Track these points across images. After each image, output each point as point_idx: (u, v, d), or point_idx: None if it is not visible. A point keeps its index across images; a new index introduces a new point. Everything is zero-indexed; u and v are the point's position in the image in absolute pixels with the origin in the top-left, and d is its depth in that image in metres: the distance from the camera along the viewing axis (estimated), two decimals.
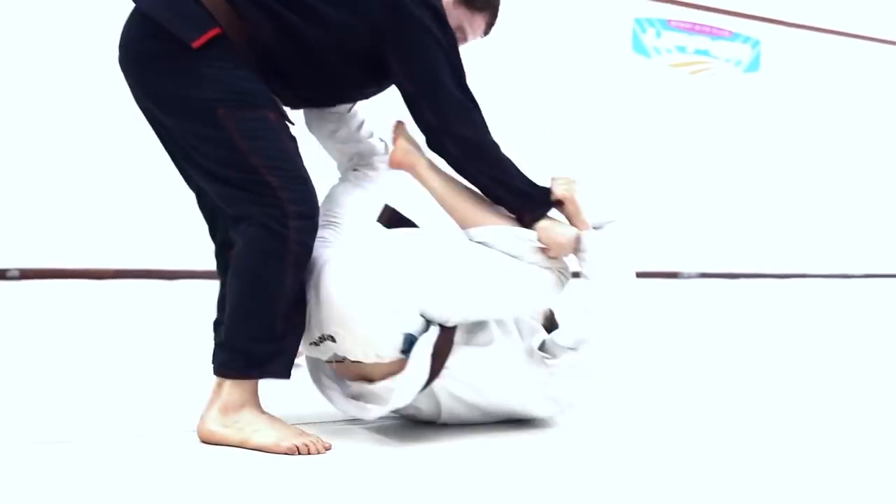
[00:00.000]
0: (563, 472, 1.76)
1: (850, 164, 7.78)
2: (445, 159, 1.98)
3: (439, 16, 1.94)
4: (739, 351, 3.47)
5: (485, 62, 5.61)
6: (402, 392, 1.83)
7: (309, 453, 1.75)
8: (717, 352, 3.43)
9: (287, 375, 1.84)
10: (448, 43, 1.93)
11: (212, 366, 1.84)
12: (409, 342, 1.83)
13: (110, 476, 1.58)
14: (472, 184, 2.00)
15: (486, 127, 1.97)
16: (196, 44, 1.75)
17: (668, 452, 1.89)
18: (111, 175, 4.85)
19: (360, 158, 2.18)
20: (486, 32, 2.15)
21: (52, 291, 4.25)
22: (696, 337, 3.87)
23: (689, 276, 6.91)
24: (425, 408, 1.97)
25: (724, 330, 4.16)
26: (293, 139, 1.87)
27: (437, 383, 1.87)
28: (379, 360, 1.84)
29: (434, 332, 1.85)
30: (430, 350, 1.82)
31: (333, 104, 2.13)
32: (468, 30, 2.10)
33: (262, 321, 1.79)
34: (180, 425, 1.90)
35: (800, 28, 7.48)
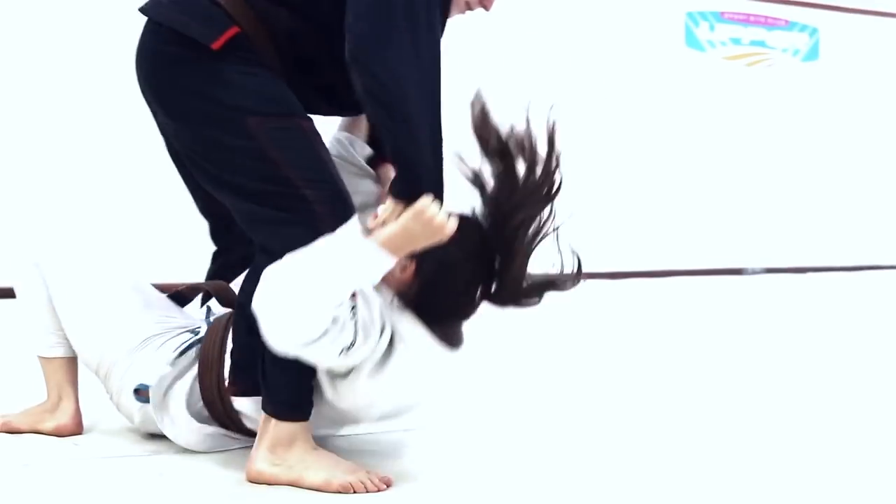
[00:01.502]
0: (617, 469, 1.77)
1: None
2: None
3: None
4: (805, 352, 3.43)
5: (538, 62, 5.69)
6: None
7: (366, 491, 1.66)
8: (781, 353, 3.38)
9: None
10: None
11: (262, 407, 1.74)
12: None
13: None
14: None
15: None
16: (215, 45, 1.62)
17: (705, 453, 1.92)
18: (122, 190, 4.82)
19: None
20: None
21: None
22: (760, 337, 3.80)
23: (754, 272, 6.85)
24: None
25: (791, 330, 4.09)
26: (327, 150, 1.74)
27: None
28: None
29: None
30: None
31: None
32: None
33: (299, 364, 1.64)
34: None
35: (858, 13, 7.33)
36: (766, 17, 6.98)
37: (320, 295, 1.53)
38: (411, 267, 1.67)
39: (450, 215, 1.58)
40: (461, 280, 1.67)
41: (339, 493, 1.64)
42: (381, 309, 1.64)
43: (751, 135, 6.89)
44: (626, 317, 4.44)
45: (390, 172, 1.83)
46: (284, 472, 1.70)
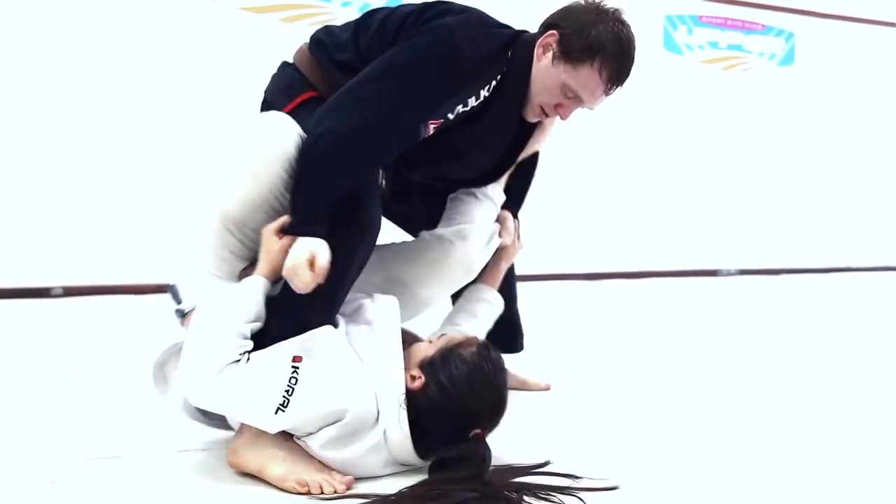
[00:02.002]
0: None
1: (892, 156, 7.64)
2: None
3: (436, 50, 1.83)
4: (780, 353, 3.42)
5: None
6: None
7: (321, 491, 1.64)
8: (756, 354, 3.38)
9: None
10: (416, 77, 1.80)
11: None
12: None
13: (159, 491, 1.59)
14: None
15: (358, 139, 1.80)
16: (285, 110, 1.90)
17: (688, 453, 1.92)
18: (151, 191, 4.86)
19: None
20: (610, 86, 1.95)
21: (94, 308, 4.24)
22: (734, 338, 3.82)
23: (729, 274, 6.85)
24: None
25: (765, 330, 4.09)
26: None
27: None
28: None
29: None
30: None
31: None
32: (576, 87, 1.94)
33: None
34: (217, 440, 1.92)
35: (834, 18, 7.37)
36: (744, 22, 7.00)
37: (212, 326, 1.69)
38: (420, 380, 1.73)
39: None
40: (459, 411, 1.69)
41: (295, 491, 1.64)
42: (383, 398, 1.71)
43: (727, 138, 6.90)
44: (602, 317, 4.45)
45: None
46: (252, 460, 1.71)
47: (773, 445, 2.00)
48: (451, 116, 1.89)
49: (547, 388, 2.49)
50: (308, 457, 1.70)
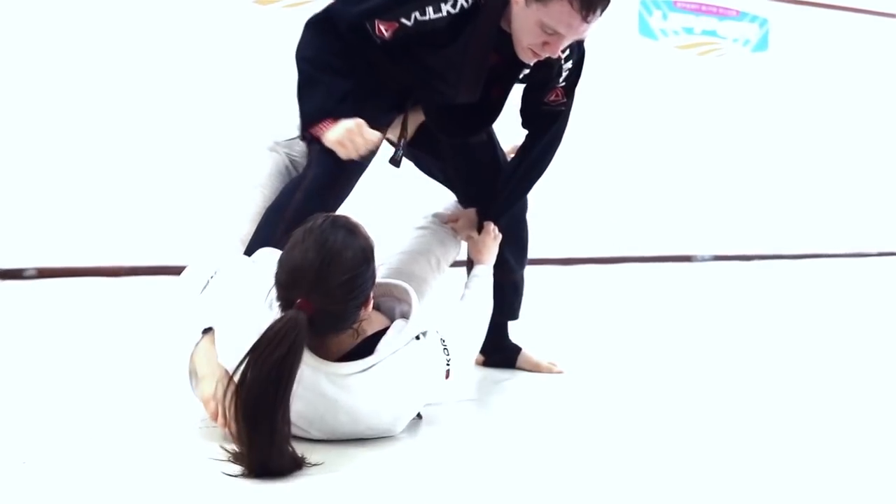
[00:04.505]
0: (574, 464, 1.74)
1: (862, 143, 7.66)
2: None
3: None
4: (753, 335, 3.43)
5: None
6: None
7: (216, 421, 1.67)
8: (731, 336, 3.40)
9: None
10: None
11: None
12: None
13: (132, 473, 1.55)
14: None
15: (311, 48, 2.10)
16: None
17: (667, 444, 1.88)
18: (125, 172, 4.80)
19: None
20: (587, 13, 1.96)
21: (68, 290, 4.19)
22: (709, 321, 3.84)
23: (703, 259, 6.85)
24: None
25: (738, 314, 4.09)
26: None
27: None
28: None
29: None
30: None
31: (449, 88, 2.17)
32: (552, 23, 1.96)
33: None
34: (191, 425, 1.86)
35: (808, 5, 7.38)
36: (718, 8, 6.99)
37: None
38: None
39: None
40: (280, 276, 1.71)
41: (208, 412, 1.68)
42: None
43: (701, 124, 6.89)
44: (576, 303, 4.43)
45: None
46: (200, 364, 1.76)
47: (751, 432, 1.99)
48: (407, 22, 2.01)
49: (560, 373, 2.53)
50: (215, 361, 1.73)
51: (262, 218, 2.02)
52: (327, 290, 1.56)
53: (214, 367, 1.70)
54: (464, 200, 2.52)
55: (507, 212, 2.43)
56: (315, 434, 1.68)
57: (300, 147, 2.18)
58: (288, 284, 1.58)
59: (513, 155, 2.45)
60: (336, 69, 2.07)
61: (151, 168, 4.75)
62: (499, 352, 2.55)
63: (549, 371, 2.54)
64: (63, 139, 4.70)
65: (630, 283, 5.35)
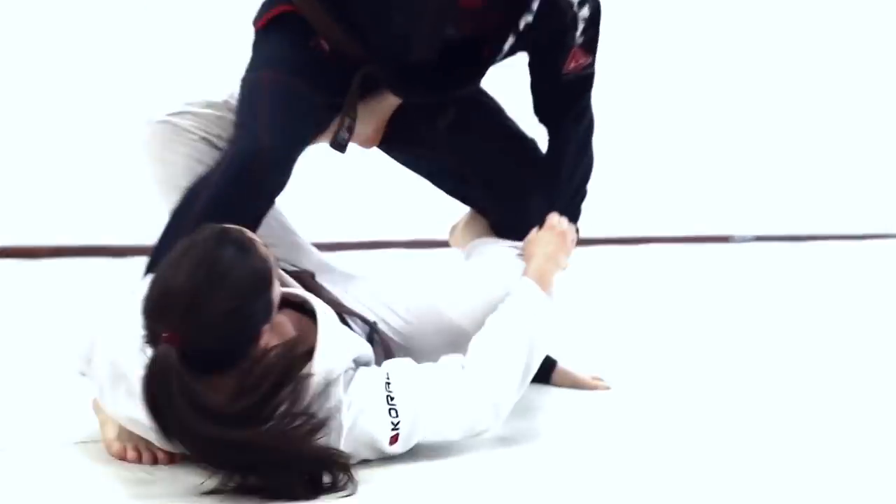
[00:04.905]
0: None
1: None
2: None
3: None
4: (798, 326, 3.27)
5: None
6: None
7: (137, 459, 1.54)
8: (772, 327, 3.23)
9: None
10: None
11: None
12: None
13: (46, 488, 1.42)
14: None
15: None
16: (258, 25, 1.94)
17: (695, 432, 1.79)
18: (46, 143, 4.63)
19: None
20: None
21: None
22: (750, 310, 3.65)
23: (743, 240, 6.73)
24: None
25: (782, 302, 3.93)
26: (278, 97, 1.83)
27: None
28: None
29: None
30: None
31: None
32: None
33: None
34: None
35: None
36: None
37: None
38: None
39: None
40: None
41: (113, 454, 1.56)
42: None
43: (740, 96, 6.78)
44: (609, 285, 4.38)
45: None
46: (103, 411, 1.63)
47: (783, 425, 1.86)
48: None
49: (607, 388, 2.24)
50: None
51: (165, 225, 1.81)
52: (203, 323, 1.39)
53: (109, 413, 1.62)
54: (488, 202, 2.13)
55: (575, 203, 2.10)
56: None
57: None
58: (154, 314, 1.40)
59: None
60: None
61: (79, 138, 4.62)
62: None
63: (594, 388, 2.24)
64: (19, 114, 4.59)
65: (658, 266, 5.35)
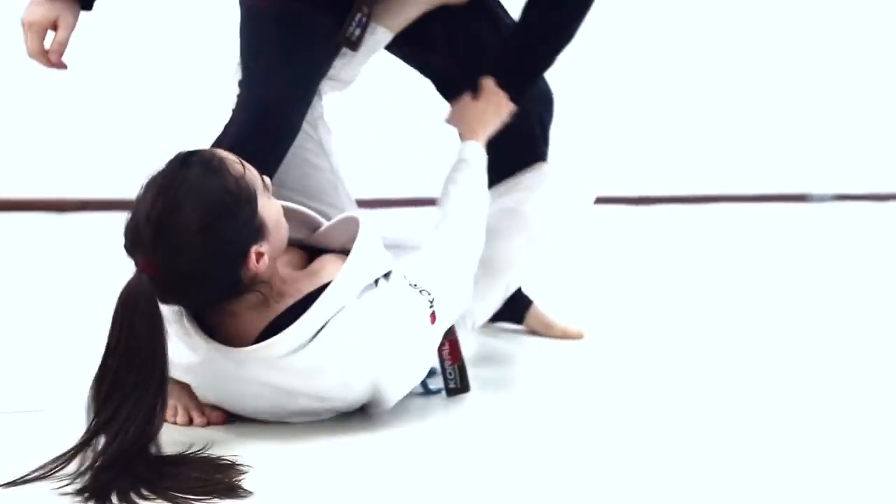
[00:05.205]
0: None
1: None
2: None
3: None
4: (877, 287, 3.22)
5: None
6: None
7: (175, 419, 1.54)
8: (851, 288, 3.19)
9: None
10: None
11: None
12: None
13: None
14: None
15: None
16: None
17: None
18: (72, 96, 4.57)
19: None
20: None
21: (5, 226, 4.15)
22: (826, 271, 3.62)
23: (822, 199, 6.59)
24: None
25: (862, 265, 3.84)
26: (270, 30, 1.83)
27: None
28: None
29: None
30: None
31: None
32: None
33: None
34: None
35: None
36: None
37: None
38: None
39: None
40: None
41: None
42: None
43: (823, 45, 6.55)
44: (677, 246, 4.40)
45: None
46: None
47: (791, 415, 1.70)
48: None
49: (579, 336, 2.29)
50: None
51: None
52: (174, 245, 1.38)
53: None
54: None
55: (530, 83, 2.05)
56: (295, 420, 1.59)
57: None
58: (128, 247, 1.41)
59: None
60: None
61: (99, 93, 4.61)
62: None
63: (564, 336, 2.30)
64: None
65: (732, 225, 5.28)
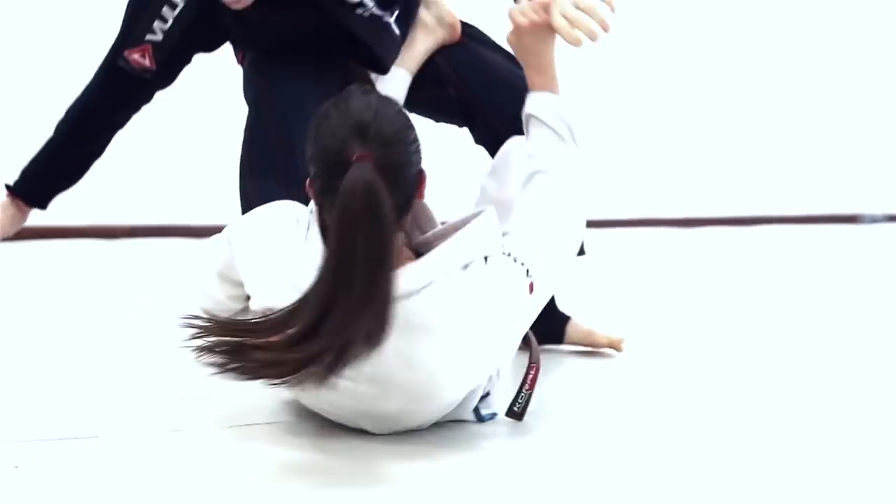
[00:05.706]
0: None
1: None
2: None
3: None
4: None
5: None
6: None
7: None
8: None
9: None
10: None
11: None
12: None
13: (142, 476, 1.39)
14: None
15: None
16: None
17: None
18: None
19: None
20: None
21: (58, 253, 4.11)
22: (874, 294, 3.52)
23: (873, 221, 6.56)
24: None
25: None
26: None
27: None
28: None
29: None
30: None
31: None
32: None
33: None
34: (220, 416, 1.70)
35: None
36: None
37: None
38: None
39: None
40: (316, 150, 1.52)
41: None
42: None
43: (877, 64, 6.50)
44: (725, 268, 4.35)
45: None
46: None
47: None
48: (157, 38, 2.06)
49: (621, 342, 2.27)
50: None
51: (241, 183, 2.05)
52: (385, 138, 1.42)
53: None
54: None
55: None
56: (365, 425, 1.57)
57: None
58: (330, 154, 1.42)
59: None
60: None
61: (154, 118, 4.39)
62: (539, 322, 2.13)
63: (609, 343, 2.30)
64: (52, 91, 4.56)
65: (780, 247, 5.22)
